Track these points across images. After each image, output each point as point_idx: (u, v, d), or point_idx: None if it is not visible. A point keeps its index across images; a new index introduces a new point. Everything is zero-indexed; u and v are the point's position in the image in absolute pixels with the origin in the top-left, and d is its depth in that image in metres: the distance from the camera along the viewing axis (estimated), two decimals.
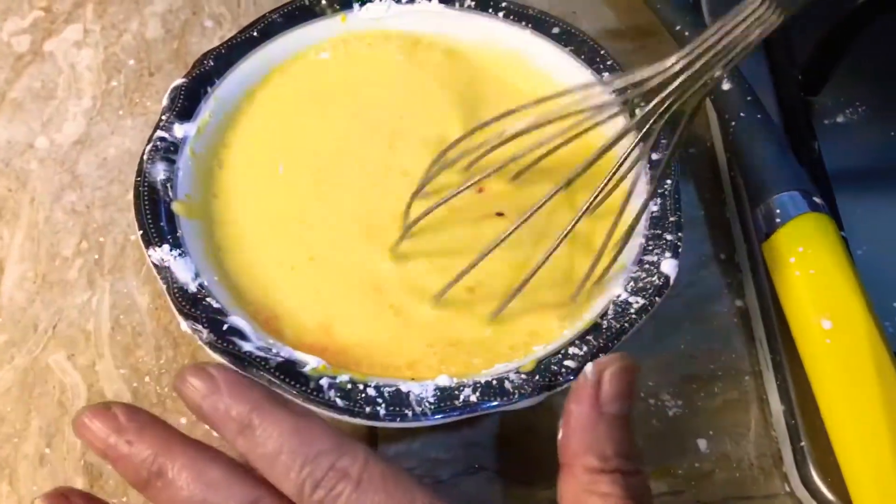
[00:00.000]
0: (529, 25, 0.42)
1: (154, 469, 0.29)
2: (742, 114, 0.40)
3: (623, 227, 0.34)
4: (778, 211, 0.37)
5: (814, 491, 0.35)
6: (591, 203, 0.33)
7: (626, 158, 0.33)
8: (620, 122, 0.34)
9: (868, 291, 0.35)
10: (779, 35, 0.45)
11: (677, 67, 0.32)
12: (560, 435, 0.30)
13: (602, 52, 0.41)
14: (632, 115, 0.34)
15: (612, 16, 0.49)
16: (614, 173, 0.34)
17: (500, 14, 0.42)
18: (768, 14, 0.29)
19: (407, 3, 0.42)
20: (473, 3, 0.42)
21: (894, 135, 0.45)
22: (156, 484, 0.29)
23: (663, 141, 0.38)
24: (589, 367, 0.30)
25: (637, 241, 0.36)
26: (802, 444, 0.35)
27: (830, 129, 0.44)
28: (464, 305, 0.35)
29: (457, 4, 0.42)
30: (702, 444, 0.37)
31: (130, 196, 0.36)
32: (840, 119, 0.45)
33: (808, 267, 0.35)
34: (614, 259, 0.35)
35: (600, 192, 0.34)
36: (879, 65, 0.47)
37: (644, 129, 0.33)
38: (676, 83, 0.32)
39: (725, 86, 0.41)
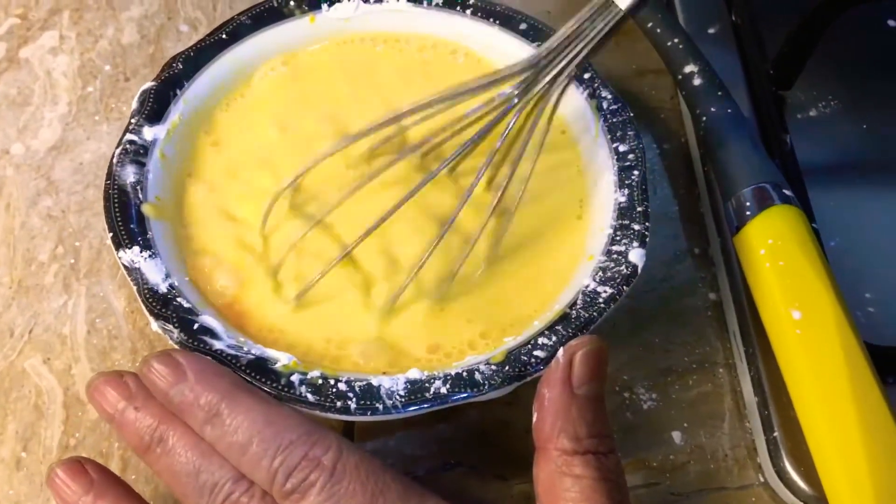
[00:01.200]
0: (497, 22, 0.42)
1: (156, 436, 0.30)
2: (713, 109, 0.40)
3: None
4: (748, 203, 0.37)
5: (787, 481, 0.35)
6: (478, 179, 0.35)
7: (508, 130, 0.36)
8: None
9: (840, 281, 0.35)
10: (750, 30, 0.46)
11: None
12: (534, 419, 0.31)
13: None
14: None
15: None
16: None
17: (468, 12, 0.42)
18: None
19: (375, 2, 0.42)
20: (441, 1, 0.42)
21: (866, 128, 0.45)
22: (155, 450, 0.30)
23: (630, 133, 0.38)
24: (560, 351, 0.30)
25: (605, 231, 0.36)
26: (776, 434, 0.36)
27: (802, 123, 0.45)
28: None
29: (424, 3, 0.42)
30: (676, 436, 0.37)
31: None
32: (812, 113, 0.45)
33: (778, 258, 0.35)
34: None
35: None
36: (851, 59, 0.47)
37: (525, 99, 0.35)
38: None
39: (696, 81, 0.41)
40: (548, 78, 0.35)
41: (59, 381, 0.37)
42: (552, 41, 0.35)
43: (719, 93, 0.41)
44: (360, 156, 0.38)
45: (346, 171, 0.38)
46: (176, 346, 0.32)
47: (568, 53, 0.35)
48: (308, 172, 0.36)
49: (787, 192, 0.37)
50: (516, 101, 0.35)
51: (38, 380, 0.37)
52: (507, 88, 0.35)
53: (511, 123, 0.36)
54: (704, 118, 0.40)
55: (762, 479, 0.36)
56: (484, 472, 0.36)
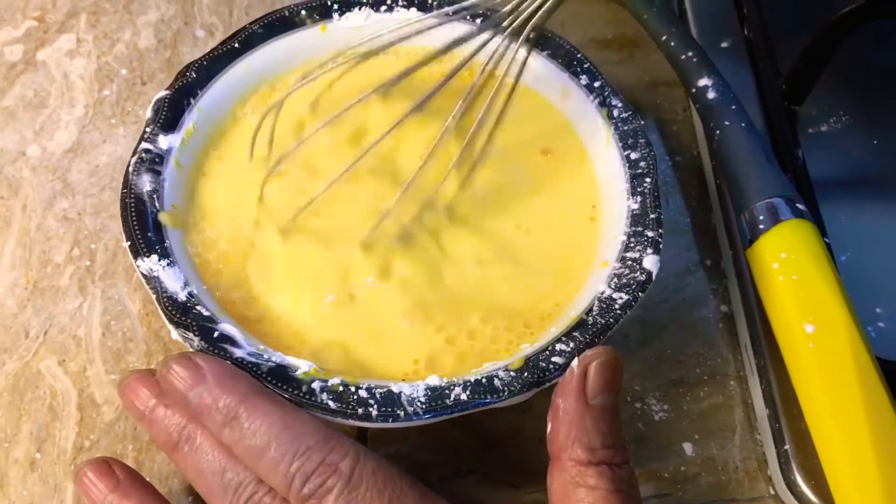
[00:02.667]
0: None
1: (185, 434, 0.31)
2: (727, 122, 0.40)
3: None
4: (761, 217, 0.37)
5: (798, 494, 0.35)
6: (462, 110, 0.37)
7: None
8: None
9: (851, 296, 0.35)
10: (762, 45, 0.47)
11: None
12: (549, 429, 0.31)
13: (578, 55, 0.41)
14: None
15: (600, 26, 0.50)
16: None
17: (478, 21, 0.42)
18: None
19: (385, 11, 0.42)
20: (451, 11, 0.42)
21: (877, 143, 0.45)
22: (183, 448, 0.31)
23: (641, 140, 0.39)
24: (574, 361, 0.31)
25: (619, 238, 0.36)
26: (786, 447, 0.36)
27: (814, 138, 0.45)
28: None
29: (434, 13, 0.42)
30: (687, 447, 0.37)
31: None
32: (824, 128, 0.46)
33: (791, 272, 0.36)
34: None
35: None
36: (862, 75, 0.48)
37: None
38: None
39: (710, 95, 0.42)
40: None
41: (74, 382, 0.38)
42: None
43: (733, 107, 0.41)
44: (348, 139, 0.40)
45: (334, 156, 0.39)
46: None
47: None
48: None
49: (800, 206, 0.37)
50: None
51: (53, 381, 0.38)
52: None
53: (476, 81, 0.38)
54: (718, 132, 0.41)
55: (773, 492, 0.36)
56: (496, 479, 0.36)
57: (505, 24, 0.39)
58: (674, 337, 0.40)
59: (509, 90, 0.38)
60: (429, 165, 0.37)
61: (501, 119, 0.38)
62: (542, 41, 0.42)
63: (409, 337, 0.35)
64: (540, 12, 0.38)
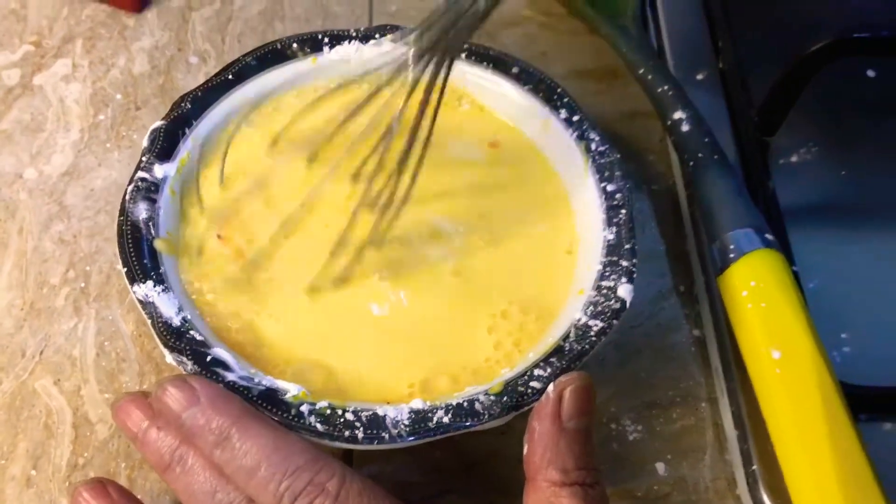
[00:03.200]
0: (490, 65, 0.44)
1: (176, 455, 0.32)
2: (700, 154, 0.42)
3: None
4: (732, 247, 0.39)
5: None
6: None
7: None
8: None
9: (818, 322, 0.37)
10: (736, 77, 0.48)
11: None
12: (525, 451, 0.32)
13: (559, 90, 0.43)
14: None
15: (582, 58, 0.52)
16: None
17: (463, 56, 0.44)
18: None
19: (374, 45, 0.44)
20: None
21: (845, 174, 0.47)
22: (175, 469, 0.32)
23: (618, 173, 0.40)
24: (550, 386, 0.32)
25: (595, 267, 0.38)
26: (754, 467, 0.37)
27: (785, 168, 0.47)
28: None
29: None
30: (660, 467, 0.39)
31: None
32: (794, 158, 0.47)
33: (760, 300, 0.37)
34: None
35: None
36: (833, 107, 0.50)
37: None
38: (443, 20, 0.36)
39: (685, 127, 0.43)
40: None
41: (69, 401, 0.39)
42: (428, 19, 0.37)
43: (706, 139, 0.43)
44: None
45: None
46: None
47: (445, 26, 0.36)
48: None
49: (768, 236, 0.39)
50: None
51: (48, 400, 0.39)
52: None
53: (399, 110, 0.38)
54: (692, 163, 0.42)
55: None
56: (476, 499, 0.38)
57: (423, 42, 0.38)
58: (648, 361, 0.41)
59: (433, 110, 0.38)
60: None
61: (428, 142, 0.38)
62: (524, 76, 0.43)
63: (404, 363, 0.36)
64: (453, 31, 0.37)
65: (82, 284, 0.42)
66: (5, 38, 0.50)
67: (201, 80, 0.44)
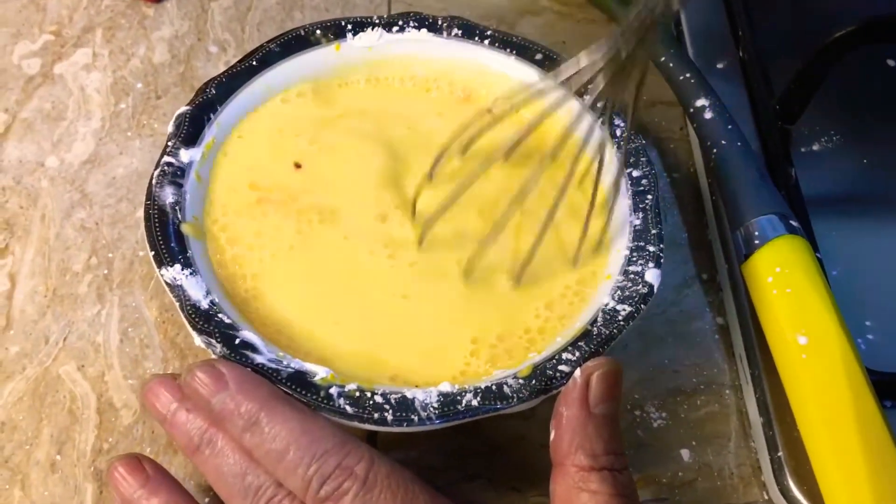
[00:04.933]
0: (514, 52, 0.44)
1: (206, 437, 0.32)
2: (723, 142, 0.42)
3: (604, 192, 0.39)
4: (756, 233, 0.39)
5: (791, 499, 0.37)
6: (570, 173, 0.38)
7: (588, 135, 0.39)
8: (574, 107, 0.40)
9: (842, 309, 0.37)
10: (757, 66, 0.48)
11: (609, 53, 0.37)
12: (552, 436, 0.32)
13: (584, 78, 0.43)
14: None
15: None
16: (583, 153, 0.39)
17: (486, 42, 0.44)
18: None
19: (397, 31, 0.44)
20: (460, 32, 0.44)
21: (867, 162, 0.47)
22: (204, 451, 0.32)
23: (643, 159, 0.40)
24: (577, 371, 0.32)
25: (622, 252, 0.38)
26: (780, 454, 0.37)
27: (807, 157, 0.47)
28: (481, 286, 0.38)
29: (444, 33, 0.44)
30: (685, 454, 0.39)
31: (138, 214, 0.38)
32: (816, 147, 0.47)
33: (785, 286, 0.37)
34: (608, 219, 0.39)
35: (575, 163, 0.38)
36: (853, 96, 0.50)
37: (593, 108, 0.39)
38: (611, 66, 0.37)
39: (707, 115, 0.43)
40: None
41: (93, 387, 0.39)
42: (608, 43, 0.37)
43: (729, 126, 0.43)
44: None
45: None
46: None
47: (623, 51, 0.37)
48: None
49: (793, 222, 0.39)
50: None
51: (72, 386, 0.39)
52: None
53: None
54: (715, 150, 0.42)
55: (766, 497, 0.38)
56: (500, 483, 0.38)
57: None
58: (672, 348, 0.41)
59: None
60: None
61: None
62: (547, 63, 0.43)
63: (445, 348, 0.36)
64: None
65: (105, 271, 0.42)
66: (25, 28, 0.50)
67: (221, 69, 0.44)
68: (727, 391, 0.41)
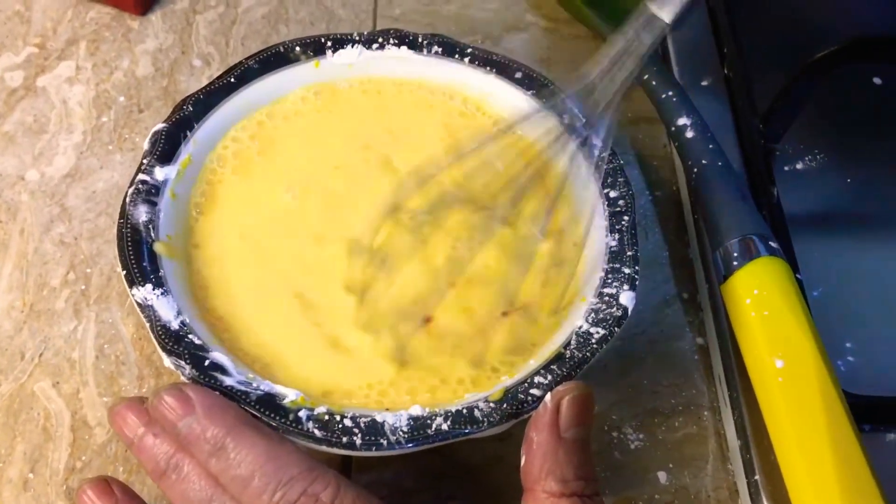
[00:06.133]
0: (494, 70, 0.44)
1: (172, 462, 0.32)
2: (704, 161, 0.42)
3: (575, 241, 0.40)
4: (736, 254, 0.39)
5: None
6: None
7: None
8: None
9: (822, 331, 0.37)
10: (741, 83, 0.48)
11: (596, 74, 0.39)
12: (522, 462, 0.32)
13: (562, 95, 0.42)
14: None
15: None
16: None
17: (466, 60, 0.44)
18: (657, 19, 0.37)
19: (377, 49, 0.44)
20: (440, 50, 0.44)
21: (850, 182, 0.47)
22: (171, 476, 0.32)
23: (621, 179, 0.40)
24: (547, 396, 0.32)
25: (597, 274, 0.38)
26: (757, 477, 0.37)
27: (790, 175, 0.47)
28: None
29: (424, 51, 0.44)
30: (662, 476, 0.39)
31: None
32: (799, 166, 0.47)
33: (763, 308, 0.37)
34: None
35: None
36: (838, 114, 0.50)
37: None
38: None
39: (689, 133, 0.43)
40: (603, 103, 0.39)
41: (68, 404, 0.39)
42: (600, 64, 0.39)
43: (710, 146, 0.43)
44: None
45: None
46: (187, 381, 0.33)
47: (616, 74, 0.38)
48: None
49: (772, 244, 0.39)
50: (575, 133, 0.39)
51: (46, 403, 0.39)
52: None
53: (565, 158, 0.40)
54: (696, 169, 0.42)
55: None
56: None
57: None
58: (650, 368, 0.41)
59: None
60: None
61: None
62: (527, 81, 0.43)
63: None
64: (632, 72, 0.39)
65: (83, 287, 0.42)
66: (9, 40, 0.50)
67: (205, 83, 0.43)
68: (706, 413, 0.40)
